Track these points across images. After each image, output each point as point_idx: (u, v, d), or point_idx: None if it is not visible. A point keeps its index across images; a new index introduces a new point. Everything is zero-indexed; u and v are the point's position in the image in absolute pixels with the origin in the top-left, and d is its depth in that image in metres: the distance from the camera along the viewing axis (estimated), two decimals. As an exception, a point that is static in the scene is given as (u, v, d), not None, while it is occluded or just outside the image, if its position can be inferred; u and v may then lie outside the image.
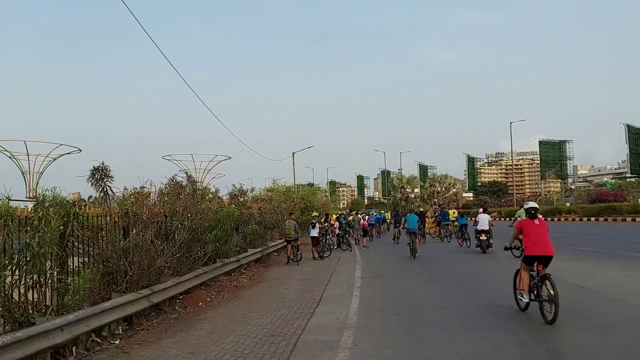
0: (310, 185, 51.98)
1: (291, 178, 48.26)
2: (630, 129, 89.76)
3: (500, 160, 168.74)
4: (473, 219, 23.25)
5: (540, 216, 8.57)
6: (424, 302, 10.21)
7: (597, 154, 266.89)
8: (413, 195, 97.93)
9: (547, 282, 7.75)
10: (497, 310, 8.96)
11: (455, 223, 24.93)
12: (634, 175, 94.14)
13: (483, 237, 19.16)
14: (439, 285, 12.57)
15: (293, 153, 52.37)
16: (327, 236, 21.75)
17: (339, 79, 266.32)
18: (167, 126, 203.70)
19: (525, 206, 8.89)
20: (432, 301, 10.32)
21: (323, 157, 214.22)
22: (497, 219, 31.58)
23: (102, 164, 11.94)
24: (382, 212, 47.89)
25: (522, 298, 8.40)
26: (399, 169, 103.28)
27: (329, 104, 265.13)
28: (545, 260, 8.00)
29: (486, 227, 19.31)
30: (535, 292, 8.06)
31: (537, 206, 8.70)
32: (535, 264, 8.08)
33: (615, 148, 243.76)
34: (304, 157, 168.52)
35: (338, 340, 7.16)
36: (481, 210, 21.44)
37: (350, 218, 27.89)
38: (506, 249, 9.51)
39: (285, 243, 19.31)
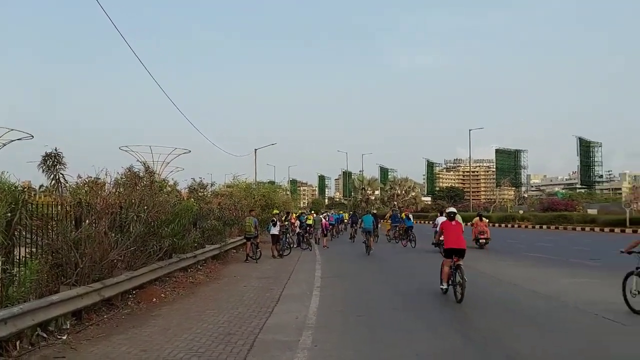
0: (272, 182, 51.59)
1: (254, 175, 47.89)
2: (581, 142, 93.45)
3: (458, 166, 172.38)
4: (432, 222, 24.12)
5: (463, 218, 10.93)
6: (383, 302, 10.24)
7: (550, 164, 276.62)
8: (373, 197, 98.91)
9: (459, 271, 9.75)
10: (453, 309, 9.07)
11: (404, 225, 25.80)
12: (584, 187, 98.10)
13: (442, 238, 19.78)
14: (397, 285, 12.66)
15: (255, 150, 51.93)
16: (288, 235, 21.57)
17: (310, 78, 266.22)
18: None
19: (447, 210, 11.22)
20: (391, 301, 10.35)
21: (286, 156, 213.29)
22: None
23: (55, 150, 11.39)
24: (341, 212, 48.04)
25: (443, 286, 10.36)
26: (360, 171, 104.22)
27: (295, 103, 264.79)
28: (459, 252, 10.08)
29: None
30: (451, 279, 10.05)
31: (455, 211, 10.90)
32: (453, 256, 10.06)
33: (567, 159, 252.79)
34: (267, 155, 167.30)
35: (297, 340, 7.02)
36: (439, 214, 22.26)
37: (310, 217, 27.60)
38: (433, 244, 11.43)
39: (245, 240, 19.02)
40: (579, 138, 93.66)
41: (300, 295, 10.85)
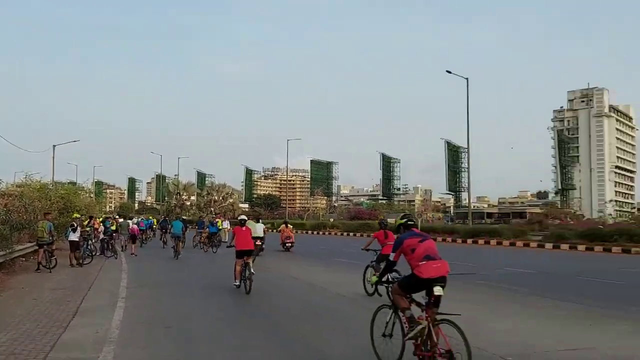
0: (73, 183, 46.71)
1: (51, 174, 42.92)
2: (384, 158, 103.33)
3: (275, 174, 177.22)
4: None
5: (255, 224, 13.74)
6: (191, 309, 9.83)
7: (357, 176, 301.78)
8: (189, 203, 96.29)
9: (248, 268, 11.40)
10: (266, 315, 9.09)
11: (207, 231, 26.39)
12: (385, 198, 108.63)
13: (258, 243, 21.48)
14: (204, 289, 12.47)
15: (54, 146, 46.79)
16: (90, 241, 19.59)
17: (125, 75, 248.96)
18: None
19: (239, 217, 12.92)
20: (199, 307, 10.04)
21: (91, 156, 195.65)
22: (270, 230, 33.62)
23: None
24: (150, 217, 45.66)
25: (235, 282, 11.72)
26: (175, 175, 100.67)
27: (105, 100, 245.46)
28: (248, 252, 11.70)
29: (261, 234, 21.56)
30: (242, 275, 11.54)
31: (245, 218, 12.84)
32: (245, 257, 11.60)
33: (371, 172, 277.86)
34: (71, 154, 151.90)
35: (96, 357, 6.24)
36: (255, 220, 23.38)
37: (114, 222, 25.41)
38: (228, 246, 12.55)
39: (37, 247, 16.75)
40: (382, 154, 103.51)
41: (102, 307, 9.81)
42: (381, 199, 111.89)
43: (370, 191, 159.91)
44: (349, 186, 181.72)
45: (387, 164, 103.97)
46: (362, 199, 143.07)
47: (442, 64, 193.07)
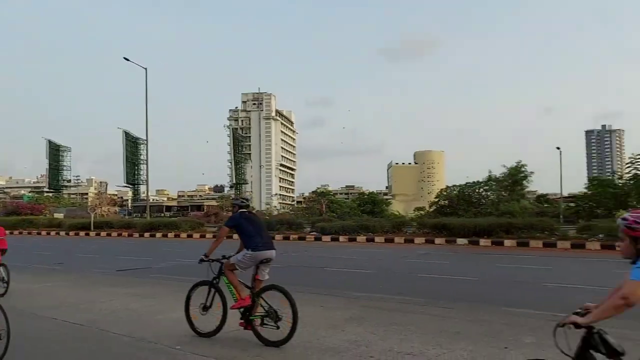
0: None
1: None
2: (51, 145, 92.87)
3: None
4: None
5: None
6: None
7: (17, 166, 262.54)
8: None
9: None
10: None
11: None
12: (52, 190, 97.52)
13: None
14: None
15: None
16: None
17: None
18: None
19: None
20: None
21: None
22: None
23: None
24: None
25: None
26: None
27: None
28: None
29: None
30: None
31: None
32: None
33: (36, 162, 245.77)
34: None
35: None
36: None
37: None
38: None
39: None
40: (49, 141, 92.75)
41: None
42: (47, 192, 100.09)
43: (34, 182, 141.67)
44: (5, 177, 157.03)
45: (55, 152, 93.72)
46: (22, 192, 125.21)
47: (125, 52, 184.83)
